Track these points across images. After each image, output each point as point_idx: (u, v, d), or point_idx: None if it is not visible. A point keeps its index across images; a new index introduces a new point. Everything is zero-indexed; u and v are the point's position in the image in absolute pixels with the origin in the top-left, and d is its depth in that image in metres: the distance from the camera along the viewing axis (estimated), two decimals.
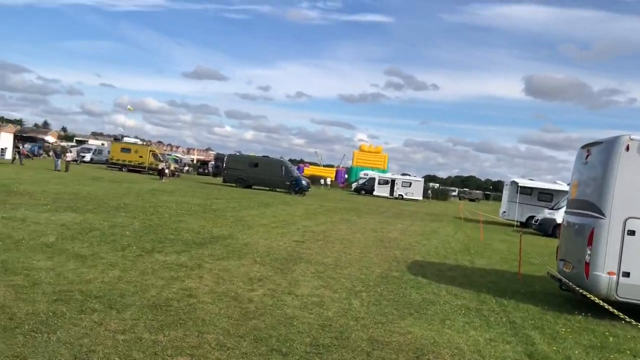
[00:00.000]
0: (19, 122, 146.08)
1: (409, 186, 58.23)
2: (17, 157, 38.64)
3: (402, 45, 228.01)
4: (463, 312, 7.90)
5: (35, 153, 56.35)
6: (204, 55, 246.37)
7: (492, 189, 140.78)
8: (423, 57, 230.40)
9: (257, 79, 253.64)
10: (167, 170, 39.24)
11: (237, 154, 46.43)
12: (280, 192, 39.19)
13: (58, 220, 12.29)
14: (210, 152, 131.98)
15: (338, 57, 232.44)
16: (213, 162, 63.37)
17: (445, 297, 8.84)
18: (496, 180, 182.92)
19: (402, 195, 56.88)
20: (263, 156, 45.16)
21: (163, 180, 36.22)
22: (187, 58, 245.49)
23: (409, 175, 64.65)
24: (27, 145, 58.63)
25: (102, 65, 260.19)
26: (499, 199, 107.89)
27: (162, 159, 46.00)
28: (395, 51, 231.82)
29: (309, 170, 75.38)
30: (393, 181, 58.78)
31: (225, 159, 44.93)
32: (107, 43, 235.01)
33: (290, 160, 72.44)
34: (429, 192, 68.75)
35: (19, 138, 56.10)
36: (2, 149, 37.17)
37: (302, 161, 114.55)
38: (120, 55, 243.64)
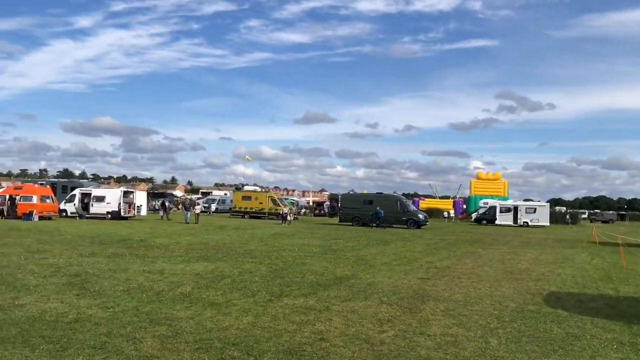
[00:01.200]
0: (150, 180, 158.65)
1: (534, 212, 55.09)
2: (162, 212, 42.22)
3: (511, 67, 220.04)
4: (615, 346, 7.20)
5: (157, 208, 60.64)
6: (312, 100, 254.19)
7: (626, 208, 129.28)
8: (535, 77, 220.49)
9: (364, 117, 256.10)
10: (289, 216, 40.35)
11: (351, 192, 46.82)
12: (397, 228, 38.76)
13: (192, 270, 13.00)
14: (324, 192, 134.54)
15: (445, 86, 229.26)
16: (328, 203, 64.37)
17: (592, 330, 8.12)
18: (631, 198, 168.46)
19: (527, 222, 53.96)
20: (377, 193, 45.15)
21: (285, 224, 37.29)
22: (297, 105, 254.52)
23: (532, 200, 61.27)
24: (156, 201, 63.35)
25: (221, 120, 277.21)
26: (637, 218, 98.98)
27: (280, 204, 47.57)
28: (505, 74, 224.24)
29: (424, 204, 74.01)
30: (516, 208, 55.95)
31: (339, 199, 45.46)
32: (224, 99, 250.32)
33: (404, 194, 71.78)
34: (557, 216, 64.73)
35: (152, 195, 60.81)
36: (138, 206, 40.43)
37: (416, 195, 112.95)
38: (236, 109, 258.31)
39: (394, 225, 39.72)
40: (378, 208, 39.65)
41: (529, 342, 7.30)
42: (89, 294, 9.60)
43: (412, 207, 42.90)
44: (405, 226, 39.29)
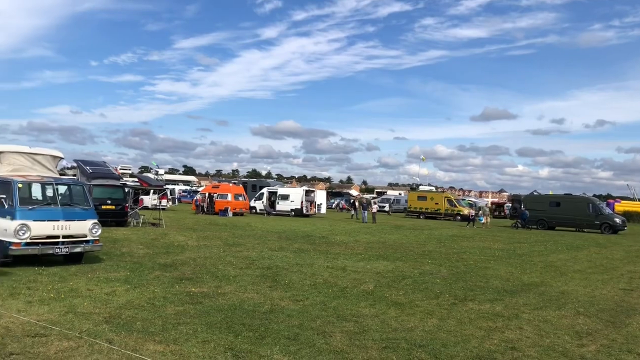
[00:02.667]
0: (327, 179, 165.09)
1: None
2: (354, 211, 42.56)
3: None
4: None
5: (341, 206, 62.64)
6: (491, 96, 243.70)
7: None
8: None
9: (548, 113, 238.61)
10: (487, 218, 38.72)
11: (535, 193, 43.87)
12: (588, 232, 35.43)
13: (373, 269, 13.21)
14: (503, 193, 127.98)
15: None
16: (509, 204, 61.12)
17: None
18: None
19: None
20: (565, 194, 41.71)
21: (468, 227, 35.98)
22: (474, 101, 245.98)
23: None
24: (336, 200, 65.63)
25: (395, 120, 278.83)
26: None
27: (457, 205, 46.34)
28: None
29: (620, 206, 66.67)
30: None
31: (522, 200, 42.87)
32: (398, 99, 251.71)
33: (594, 195, 65.34)
34: None
35: (330, 194, 63.29)
36: (318, 204, 42.40)
37: (610, 196, 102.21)
38: (410, 109, 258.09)
39: (585, 230, 36.38)
40: (524, 209, 37.94)
41: None
42: (280, 287, 10.24)
43: (607, 210, 38.87)
44: (599, 231, 35.76)
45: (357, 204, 43.51)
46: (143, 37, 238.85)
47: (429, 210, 47.57)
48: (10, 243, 10.80)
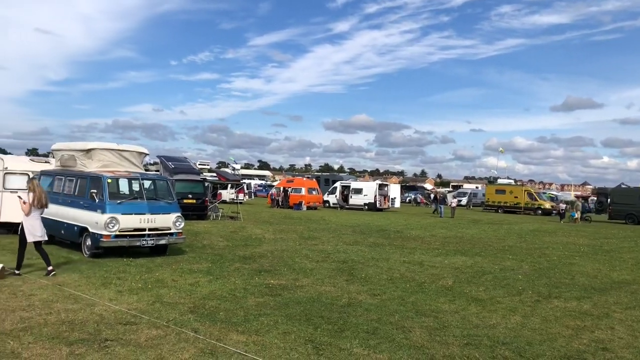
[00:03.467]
0: (401, 173, 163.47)
1: None
2: (435, 205, 40.18)
3: None
4: None
5: (418, 201, 61.83)
6: (573, 85, 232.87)
7: None
8: None
9: (638, 101, 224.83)
10: (578, 213, 36.90)
11: (623, 186, 41.45)
12: None
13: (451, 264, 12.95)
14: (587, 186, 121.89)
15: None
16: (594, 198, 58.11)
17: None
18: None
19: None
20: None
21: (563, 222, 34.31)
22: (554, 91, 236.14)
23: None
24: (410, 194, 64.86)
25: (471, 111, 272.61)
26: None
27: (539, 198, 44.59)
28: None
29: None
30: None
31: (609, 194, 40.65)
32: (474, 90, 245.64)
33: None
34: None
35: (404, 188, 62.65)
36: (392, 198, 42.07)
37: None
38: (487, 100, 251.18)
39: None
40: (583, 202, 37.85)
41: None
42: (357, 280, 10.24)
43: None
44: None
45: (438, 197, 42.05)
46: (219, 35, 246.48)
47: (508, 204, 46.03)
48: (101, 235, 11.42)
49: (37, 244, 9.73)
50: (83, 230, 12.00)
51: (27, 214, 9.64)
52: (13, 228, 15.20)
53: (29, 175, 15.50)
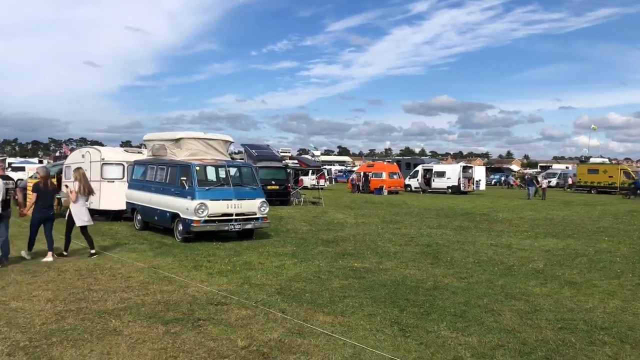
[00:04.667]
0: (485, 155, 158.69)
1: None
2: (529, 188, 35.50)
3: None
4: None
5: (502, 183, 59.78)
6: None
7: None
8: None
9: None
10: None
11: None
12: None
13: (541, 246, 12.43)
14: None
15: None
16: None
17: None
18: None
19: None
20: None
21: None
22: None
23: None
24: (493, 176, 62.77)
25: (560, 88, 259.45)
26: None
27: (636, 177, 41.79)
28: None
29: None
30: None
31: None
32: (563, 66, 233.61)
33: None
34: None
35: (490, 170, 60.76)
36: (477, 180, 40.91)
37: None
38: (577, 75, 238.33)
39: None
40: (637, 178, 36.22)
41: None
42: (442, 264, 10.07)
43: None
44: None
45: (526, 179, 39.33)
46: (296, 23, 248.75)
47: (602, 185, 43.48)
48: (192, 221, 11.91)
49: (83, 229, 10.32)
50: (175, 216, 12.55)
51: (75, 201, 10.20)
52: (112, 215, 16.24)
53: (123, 165, 16.43)
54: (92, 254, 10.10)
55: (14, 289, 7.35)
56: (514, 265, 10.04)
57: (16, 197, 10.90)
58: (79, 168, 11.41)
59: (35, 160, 54.53)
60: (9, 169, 37.43)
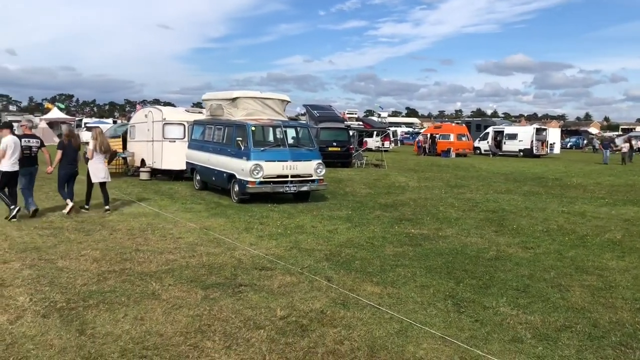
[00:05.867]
0: (561, 117, 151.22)
1: None
2: (608, 154, 32.09)
3: None
4: None
5: (581, 146, 56.67)
6: None
7: None
8: None
9: None
10: None
11: None
12: None
13: (619, 215, 11.42)
14: None
15: None
16: None
17: None
18: None
19: None
20: None
21: None
22: None
23: None
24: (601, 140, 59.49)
25: None
26: None
27: None
28: None
29: None
30: None
31: None
32: None
33: None
34: None
35: (565, 132, 57.71)
36: (551, 143, 38.83)
37: None
38: None
39: None
40: None
41: None
42: (507, 232, 9.38)
43: None
44: None
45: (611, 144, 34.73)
46: None
47: None
48: (247, 182, 11.72)
49: (102, 185, 10.62)
50: (231, 177, 12.41)
51: (91, 158, 10.56)
52: (173, 175, 16.41)
53: (184, 125, 16.45)
54: (107, 210, 10.39)
55: (65, 247, 7.38)
56: (587, 235, 9.20)
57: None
58: (97, 127, 12.07)
59: (110, 120, 56.44)
60: (84, 129, 39.11)
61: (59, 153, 10.24)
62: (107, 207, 10.47)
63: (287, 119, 14.05)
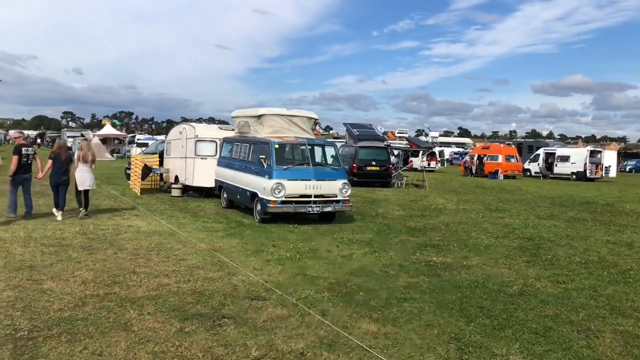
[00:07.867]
0: (622, 139, 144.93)
1: None
2: None
3: None
4: None
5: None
6: None
7: None
8: None
9: None
10: None
11: None
12: None
13: None
14: None
15: None
16: None
17: None
18: None
19: None
20: None
21: None
22: None
23: None
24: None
25: None
26: None
27: None
28: None
29: None
30: None
31: None
32: None
33: None
34: None
35: (622, 155, 54.94)
36: (606, 166, 36.85)
37: None
38: None
39: None
40: None
41: None
42: (540, 262, 8.55)
43: None
44: None
45: None
46: (419, 2, 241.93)
47: None
48: (268, 201, 11.31)
49: (86, 192, 11.61)
50: (254, 195, 12.03)
51: (76, 167, 11.52)
52: (204, 191, 16.21)
53: (216, 142, 16.25)
54: (84, 215, 11.33)
55: (60, 267, 7.11)
56: (630, 269, 8.26)
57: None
58: (85, 139, 13.48)
59: (162, 137, 57.66)
60: (134, 145, 39.95)
61: (49, 162, 11.21)
62: (85, 211, 11.45)
63: (313, 137, 13.59)
